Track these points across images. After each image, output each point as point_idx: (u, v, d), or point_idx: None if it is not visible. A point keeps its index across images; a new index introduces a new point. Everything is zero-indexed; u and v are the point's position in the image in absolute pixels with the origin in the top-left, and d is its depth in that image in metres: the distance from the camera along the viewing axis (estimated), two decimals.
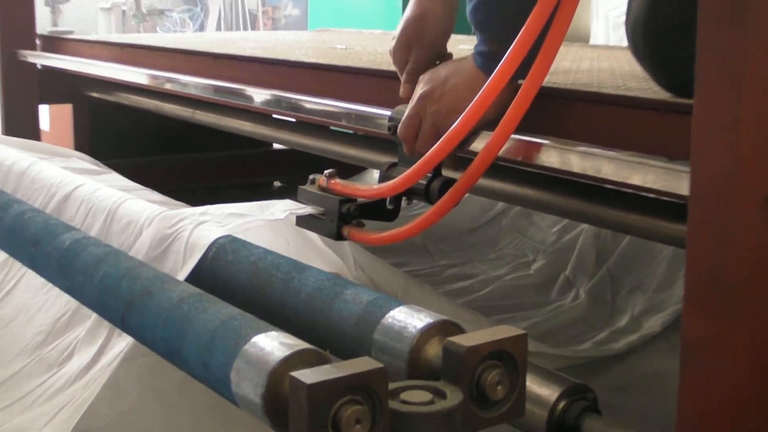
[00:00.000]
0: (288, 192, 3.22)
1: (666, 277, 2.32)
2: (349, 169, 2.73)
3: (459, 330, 0.98)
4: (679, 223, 1.19)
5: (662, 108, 1.12)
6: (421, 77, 1.26)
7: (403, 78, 1.31)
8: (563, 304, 2.34)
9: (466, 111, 1.07)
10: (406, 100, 1.28)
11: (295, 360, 0.86)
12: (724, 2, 0.83)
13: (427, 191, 1.23)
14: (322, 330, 1.05)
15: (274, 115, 2.15)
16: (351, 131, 1.89)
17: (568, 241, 2.67)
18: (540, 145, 1.19)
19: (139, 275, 1.10)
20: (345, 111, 1.62)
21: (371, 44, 2.53)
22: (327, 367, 0.81)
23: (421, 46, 1.28)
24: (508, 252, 2.75)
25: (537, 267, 2.58)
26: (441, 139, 1.08)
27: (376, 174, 3.05)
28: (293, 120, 2.09)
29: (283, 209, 1.36)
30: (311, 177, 1.34)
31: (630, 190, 1.17)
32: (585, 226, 2.60)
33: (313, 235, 1.37)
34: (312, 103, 1.73)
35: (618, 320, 2.22)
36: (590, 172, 1.11)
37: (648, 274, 2.37)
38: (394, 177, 1.24)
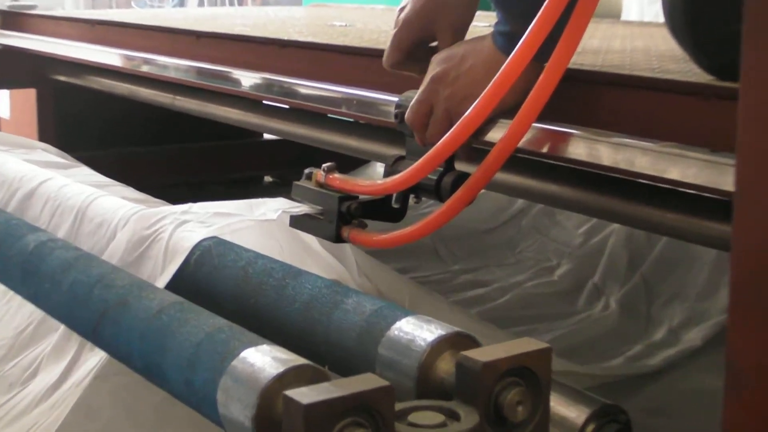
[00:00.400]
0: (280, 188, 3.24)
1: (708, 284, 2.33)
2: (349, 163, 2.74)
3: (474, 343, 0.99)
4: (722, 223, 1.19)
5: (704, 92, 1.13)
6: (433, 57, 1.26)
7: (394, 53, 1.31)
8: (591, 314, 2.34)
9: (482, 95, 1.07)
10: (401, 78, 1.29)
11: (289, 377, 0.87)
12: None
13: (438, 187, 1.23)
14: (319, 343, 1.06)
15: (265, 102, 2.16)
16: (351, 119, 1.89)
17: (596, 243, 2.67)
18: (565, 134, 1.19)
19: (113, 282, 1.11)
20: (345, 96, 1.62)
21: (374, 21, 2.53)
22: (326, 385, 0.82)
23: (445, 23, 1.28)
24: (528, 256, 2.75)
25: (561, 273, 2.59)
26: (453, 128, 1.08)
27: (380, 168, 3.07)
28: (286, 107, 2.10)
29: (276, 208, 1.37)
30: (307, 171, 1.34)
31: (667, 186, 1.17)
32: (615, 226, 2.60)
33: (310, 238, 1.38)
34: (308, 87, 1.74)
35: (654, 333, 2.22)
36: (622, 165, 1.12)
37: (687, 280, 2.38)
38: (400, 171, 1.24)
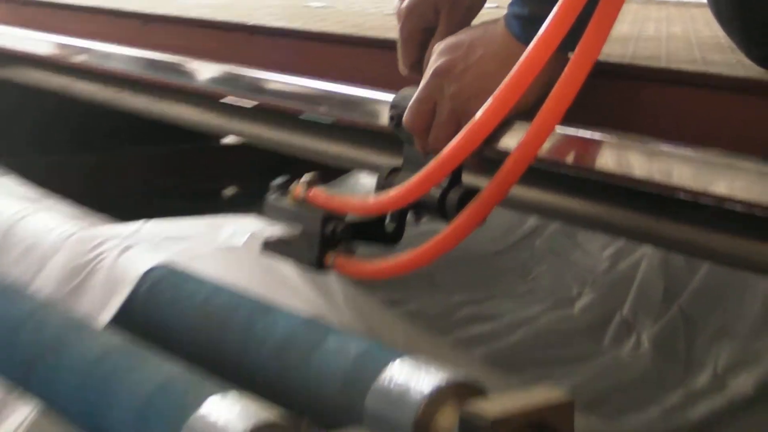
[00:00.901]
0: (244, 202, 3.23)
1: (761, 319, 2.33)
2: (328, 172, 2.73)
3: (480, 392, 0.99)
4: None
5: (755, 90, 1.13)
6: (435, 47, 1.25)
7: (408, 50, 1.30)
8: (619, 355, 2.34)
9: (495, 93, 1.06)
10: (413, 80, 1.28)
11: None
12: None
13: (443, 204, 1.22)
14: (295, 393, 1.06)
15: (227, 99, 2.15)
16: (331, 121, 1.89)
17: (625, 269, 2.67)
18: (590, 141, 1.19)
19: (44, 321, 1.11)
20: (325, 93, 1.61)
21: (356, 0, 2.54)
22: None
23: (455, 9, 1.27)
24: (543, 284, 2.75)
25: (583, 305, 2.59)
26: (461, 132, 1.07)
27: (365, 180, 3.07)
28: (251, 105, 2.09)
29: (243, 229, 1.36)
30: (277, 182, 1.33)
31: (711, 202, 1.17)
32: (648, 249, 2.60)
33: (285, 265, 1.37)
34: (279, 82, 1.73)
35: (695, 378, 2.22)
36: (657, 177, 1.12)
37: (735, 315, 2.38)
38: (397, 185, 1.23)
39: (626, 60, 1.29)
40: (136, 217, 1.42)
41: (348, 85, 1.59)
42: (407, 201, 1.16)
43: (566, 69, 1.08)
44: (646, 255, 2.62)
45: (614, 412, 2.06)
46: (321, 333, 1.08)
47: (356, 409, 1.00)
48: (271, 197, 1.30)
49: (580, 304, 2.60)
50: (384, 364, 1.01)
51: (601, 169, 1.20)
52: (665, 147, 1.14)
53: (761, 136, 1.09)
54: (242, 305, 1.17)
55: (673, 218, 1.30)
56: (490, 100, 1.06)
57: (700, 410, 2.09)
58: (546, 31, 1.03)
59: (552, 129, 1.09)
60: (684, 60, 1.30)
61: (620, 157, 1.16)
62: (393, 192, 1.15)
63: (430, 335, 1.93)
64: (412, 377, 0.98)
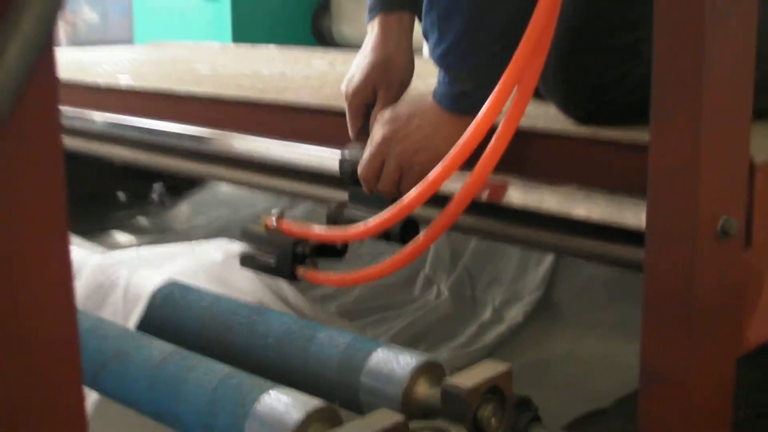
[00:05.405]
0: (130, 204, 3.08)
1: (518, 270, 2.39)
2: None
3: (438, 367, 0.99)
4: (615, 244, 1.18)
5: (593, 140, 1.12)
6: (378, 117, 1.22)
7: (355, 121, 1.27)
8: (427, 302, 2.36)
9: (448, 156, 1.02)
10: (361, 141, 1.25)
11: (311, 418, 0.84)
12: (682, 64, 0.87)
13: (387, 233, 1.20)
14: (300, 376, 1.03)
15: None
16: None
17: None
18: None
19: (105, 335, 1.04)
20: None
21: (224, 62, 2.45)
22: (358, 423, 0.80)
23: (389, 89, 1.25)
24: (365, 252, 2.75)
25: None
26: (422, 184, 1.03)
27: (223, 187, 2.94)
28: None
29: (218, 249, 1.31)
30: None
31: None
32: None
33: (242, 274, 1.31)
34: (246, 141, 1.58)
35: (482, 314, 2.26)
36: (532, 205, 1.12)
37: (501, 268, 2.43)
38: (345, 217, 1.21)
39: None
40: None
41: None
42: (377, 232, 1.12)
43: (496, 135, 1.03)
44: None
45: (431, 345, 2.07)
46: (312, 329, 1.06)
47: (352, 387, 0.98)
48: (247, 227, 1.24)
49: None
50: (368, 351, 0.99)
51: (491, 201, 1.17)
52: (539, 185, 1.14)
53: (602, 175, 1.10)
54: (241, 309, 1.13)
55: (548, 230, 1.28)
56: (443, 161, 1.02)
57: (489, 336, 2.11)
58: (487, 110, 0.99)
59: (486, 179, 1.03)
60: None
61: (512, 193, 1.16)
62: (363, 226, 1.10)
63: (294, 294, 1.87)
64: (394, 360, 0.97)
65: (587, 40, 1.15)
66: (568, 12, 1.06)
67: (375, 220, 1.08)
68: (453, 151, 0.99)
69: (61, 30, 9.07)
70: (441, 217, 1.06)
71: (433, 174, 1.01)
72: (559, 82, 1.20)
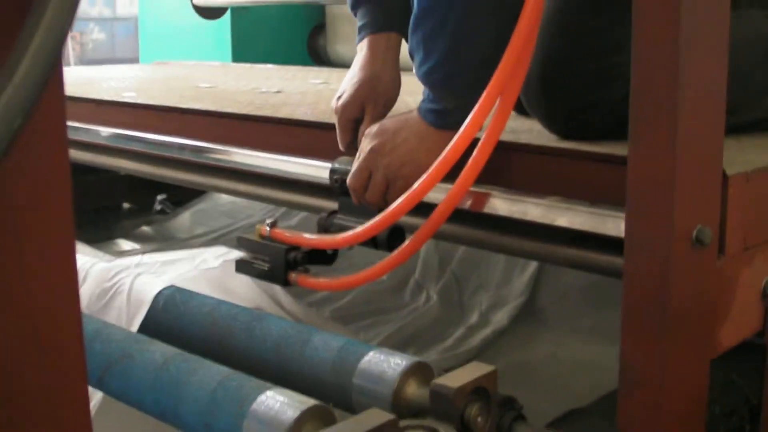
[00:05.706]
0: (135, 214, 3.09)
1: (502, 277, 2.39)
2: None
3: (427, 368, 0.99)
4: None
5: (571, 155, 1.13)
6: (367, 131, 1.23)
7: (345, 135, 1.28)
8: (417, 306, 2.37)
9: (432, 167, 1.04)
10: (349, 154, 1.26)
11: (306, 416, 0.85)
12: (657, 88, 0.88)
13: (374, 240, 1.21)
14: (296, 377, 1.04)
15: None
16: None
17: None
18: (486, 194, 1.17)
19: (110, 338, 1.04)
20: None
21: (223, 79, 2.45)
22: (350, 423, 0.80)
23: (377, 105, 1.26)
24: (358, 261, 2.75)
25: (389, 273, 2.59)
26: (406, 195, 1.06)
27: (222, 198, 2.95)
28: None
29: (214, 255, 1.31)
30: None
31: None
32: None
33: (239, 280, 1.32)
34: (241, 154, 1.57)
35: (469, 318, 2.26)
36: (517, 215, 1.13)
37: (487, 274, 2.43)
38: (336, 224, 1.22)
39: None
40: None
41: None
42: (364, 239, 1.14)
43: (477, 149, 1.05)
44: None
45: (421, 347, 2.08)
46: (308, 333, 1.07)
47: (345, 387, 0.99)
48: (242, 236, 1.25)
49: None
50: (361, 353, 1.00)
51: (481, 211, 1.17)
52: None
53: (584, 187, 1.11)
54: (240, 314, 1.14)
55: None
56: (427, 173, 1.04)
57: (476, 339, 2.12)
58: (468, 126, 1.01)
59: (467, 189, 1.05)
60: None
61: (497, 203, 1.16)
62: (352, 234, 1.12)
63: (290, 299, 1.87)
64: (384, 363, 0.97)
65: (565, 65, 1.16)
66: (546, 37, 1.07)
67: (363, 228, 1.09)
68: (436, 164, 1.00)
69: (72, 49, 9.06)
70: (425, 225, 1.08)
71: (417, 185, 1.02)
72: (541, 102, 1.21)
